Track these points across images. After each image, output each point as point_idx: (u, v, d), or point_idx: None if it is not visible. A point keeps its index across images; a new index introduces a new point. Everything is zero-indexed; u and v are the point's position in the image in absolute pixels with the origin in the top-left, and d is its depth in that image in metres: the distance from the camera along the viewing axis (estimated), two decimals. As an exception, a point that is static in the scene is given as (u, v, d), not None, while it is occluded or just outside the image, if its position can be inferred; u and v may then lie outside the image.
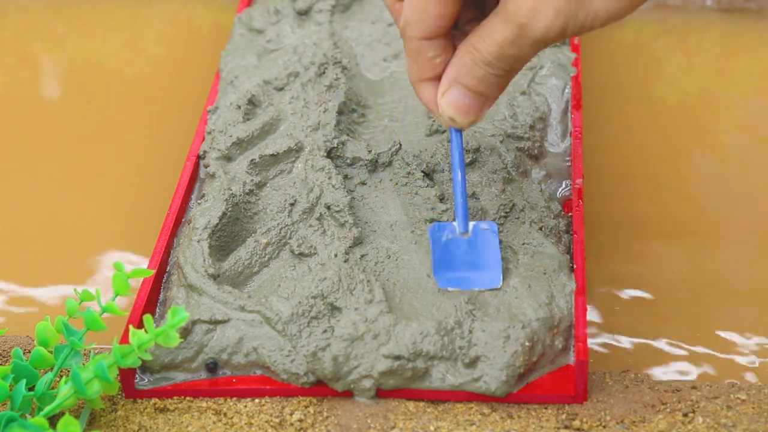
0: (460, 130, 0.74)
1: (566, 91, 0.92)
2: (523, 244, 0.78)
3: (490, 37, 0.66)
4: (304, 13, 1.01)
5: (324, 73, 0.92)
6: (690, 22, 1.16)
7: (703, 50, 1.14)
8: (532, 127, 0.88)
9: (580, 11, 0.64)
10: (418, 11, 0.68)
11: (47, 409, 0.68)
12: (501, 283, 0.76)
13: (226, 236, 0.81)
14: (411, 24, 0.68)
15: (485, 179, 0.83)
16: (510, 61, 0.67)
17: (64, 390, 0.69)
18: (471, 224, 0.77)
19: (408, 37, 0.69)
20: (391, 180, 0.84)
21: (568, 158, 0.87)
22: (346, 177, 0.84)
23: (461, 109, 0.70)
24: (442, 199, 0.82)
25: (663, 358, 0.80)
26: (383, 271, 0.78)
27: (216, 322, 0.75)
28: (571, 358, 0.74)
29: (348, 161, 0.85)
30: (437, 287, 0.76)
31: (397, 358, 0.72)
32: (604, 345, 0.82)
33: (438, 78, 0.70)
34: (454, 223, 0.77)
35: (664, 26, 1.16)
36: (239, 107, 0.90)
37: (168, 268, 0.81)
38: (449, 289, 0.76)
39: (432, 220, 0.80)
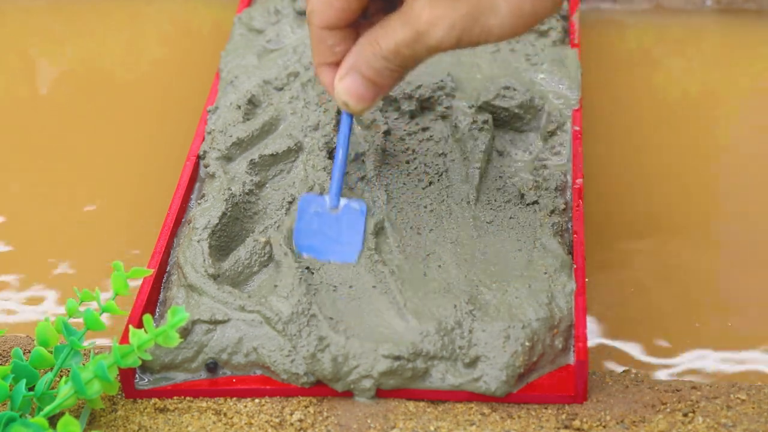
0: (351, 115, 0.76)
1: (566, 88, 0.92)
2: (534, 239, 0.79)
3: (390, 34, 0.70)
4: (304, 13, 1.01)
5: None
6: (690, 22, 1.16)
7: (703, 50, 1.14)
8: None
9: (475, 27, 0.68)
10: (323, 2, 0.72)
11: (47, 409, 0.68)
12: (356, 260, 0.77)
13: (226, 236, 0.81)
14: (315, 12, 0.72)
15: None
16: (405, 60, 0.71)
17: (64, 390, 0.69)
18: (343, 201, 0.78)
19: (311, 24, 0.73)
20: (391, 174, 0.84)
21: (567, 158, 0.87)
22: (347, 173, 0.84)
23: (355, 96, 0.73)
24: (440, 193, 0.82)
25: (663, 358, 0.80)
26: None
27: (216, 322, 0.75)
28: (571, 358, 0.74)
29: (348, 160, 0.85)
30: (438, 287, 0.77)
31: (397, 358, 0.72)
32: (604, 345, 0.82)
33: (337, 64, 0.74)
34: (326, 197, 0.78)
35: (663, 26, 1.16)
36: (239, 107, 0.90)
37: (168, 268, 0.81)
38: (304, 255, 0.78)
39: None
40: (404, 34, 0.69)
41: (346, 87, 0.73)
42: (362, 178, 0.84)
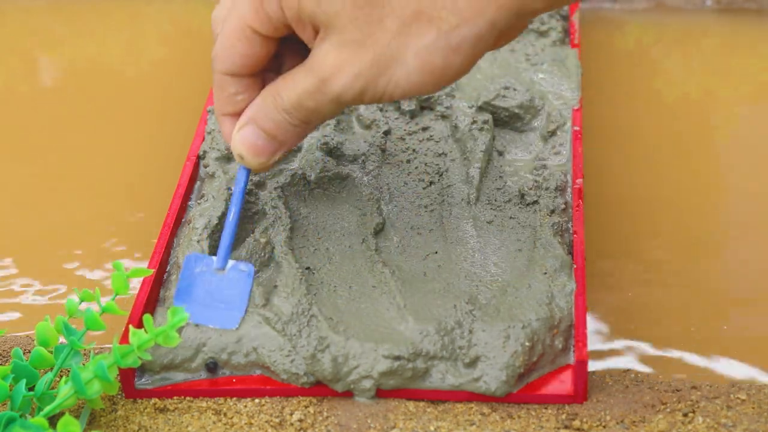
0: (248, 169, 0.74)
1: (566, 88, 0.92)
2: (534, 239, 0.79)
3: (293, 85, 0.67)
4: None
5: None
6: (690, 22, 1.16)
7: (703, 50, 1.14)
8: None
9: (381, 78, 0.65)
10: (226, 47, 0.69)
11: (47, 409, 0.68)
12: (237, 326, 0.74)
13: (226, 236, 0.81)
14: (217, 57, 0.70)
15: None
16: (307, 113, 0.68)
17: (64, 390, 0.69)
18: (230, 263, 0.76)
19: (214, 69, 0.70)
20: (390, 173, 0.84)
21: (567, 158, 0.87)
22: (349, 172, 0.84)
23: (252, 149, 0.70)
24: (440, 193, 0.82)
25: (663, 358, 0.80)
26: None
27: (216, 322, 0.75)
28: (571, 358, 0.74)
29: (348, 159, 0.85)
30: (438, 287, 0.77)
31: (397, 358, 0.72)
32: (604, 345, 0.82)
33: (238, 114, 0.71)
34: (214, 258, 0.76)
35: (664, 26, 1.16)
36: None
37: (168, 268, 0.81)
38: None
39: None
40: (307, 83, 0.67)
41: (243, 138, 0.70)
42: (363, 178, 0.85)
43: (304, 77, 0.67)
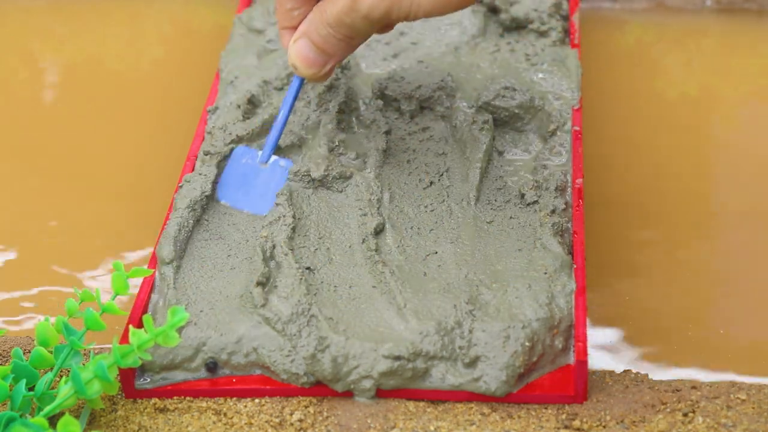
0: (302, 79, 0.81)
1: (566, 88, 0.92)
2: (534, 239, 0.79)
3: (333, 3, 0.74)
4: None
5: None
6: (690, 22, 1.16)
7: (703, 50, 1.14)
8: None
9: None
10: None
11: (47, 409, 0.68)
12: (265, 214, 0.81)
13: (226, 236, 0.81)
14: None
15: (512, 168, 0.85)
16: (347, 29, 0.75)
17: (64, 390, 0.69)
18: (273, 158, 0.83)
19: None
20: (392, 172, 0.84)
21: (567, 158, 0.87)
22: (350, 175, 0.84)
23: (304, 60, 0.78)
24: (440, 193, 0.82)
25: (663, 358, 0.80)
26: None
27: (216, 322, 0.76)
28: (571, 358, 0.74)
29: (350, 159, 0.85)
30: (438, 287, 0.77)
31: (397, 358, 0.72)
32: (604, 345, 0.82)
33: (295, 28, 0.79)
34: (259, 152, 0.84)
35: (664, 26, 1.16)
36: (239, 107, 0.90)
37: (168, 268, 0.81)
38: (222, 201, 0.82)
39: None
40: (343, 3, 0.73)
41: (296, 51, 0.78)
42: (363, 178, 0.84)
43: None
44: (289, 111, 0.83)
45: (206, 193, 0.82)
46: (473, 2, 0.74)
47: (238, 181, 0.83)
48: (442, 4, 0.73)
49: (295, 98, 0.83)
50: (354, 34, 0.76)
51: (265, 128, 0.88)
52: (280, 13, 0.79)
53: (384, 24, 0.75)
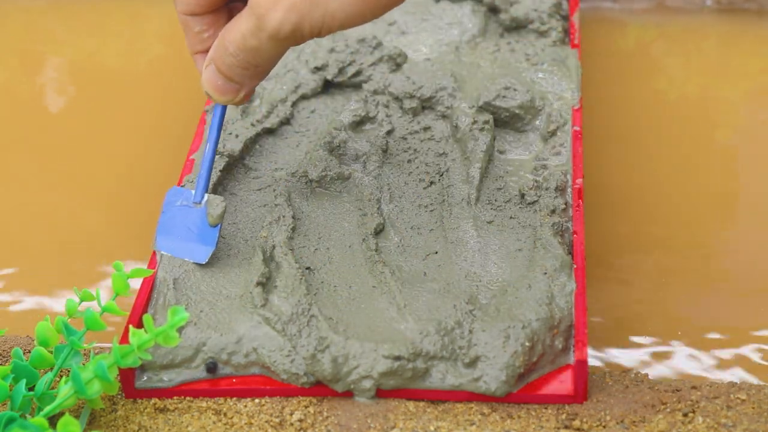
0: (223, 106, 0.76)
1: (566, 88, 0.92)
2: (534, 239, 0.79)
3: (236, 27, 0.69)
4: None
5: (323, 69, 0.93)
6: (690, 21, 1.16)
7: (703, 50, 1.14)
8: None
9: (316, 10, 0.66)
10: None
11: (47, 409, 0.68)
12: (205, 261, 0.77)
13: (226, 236, 0.81)
14: (177, 0, 0.72)
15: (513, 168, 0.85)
16: (251, 54, 0.69)
17: (64, 390, 0.69)
18: (206, 196, 0.78)
19: (177, 11, 0.72)
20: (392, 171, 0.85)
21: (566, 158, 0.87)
22: (351, 172, 0.84)
23: (215, 89, 0.73)
24: (441, 193, 0.82)
25: (663, 358, 0.80)
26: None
27: (216, 322, 0.76)
28: (571, 358, 0.74)
29: (350, 159, 0.85)
30: (438, 287, 0.77)
31: (397, 358, 0.72)
32: (605, 345, 0.82)
33: (207, 51, 0.73)
34: (192, 192, 0.78)
35: (664, 26, 1.16)
36: (238, 107, 0.90)
37: (168, 268, 0.81)
38: (162, 251, 0.78)
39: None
40: (248, 24, 0.68)
41: (207, 78, 0.73)
42: (363, 178, 0.85)
43: (245, 18, 0.68)
44: (216, 143, 0.77)
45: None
46: (388, 11, 0.68)
47: (174, 227, 0.78)
48: (357, 14, 0.66)
49: (220, 127, 0.77)
50: (259, 61, 0.70)
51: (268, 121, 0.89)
52: (189, 37, 0.73)
53: (293, 41, 0.68)
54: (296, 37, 0.67)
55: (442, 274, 0.78)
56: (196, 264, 0.79)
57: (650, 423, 0.71)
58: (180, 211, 0.78)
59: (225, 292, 0.77)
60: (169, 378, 0.75)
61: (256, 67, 0.70)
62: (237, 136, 0.87)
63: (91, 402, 0.71)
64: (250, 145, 0.88)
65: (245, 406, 0.74)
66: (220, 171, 0.84)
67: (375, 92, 0.91)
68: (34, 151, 1.05)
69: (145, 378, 0.75)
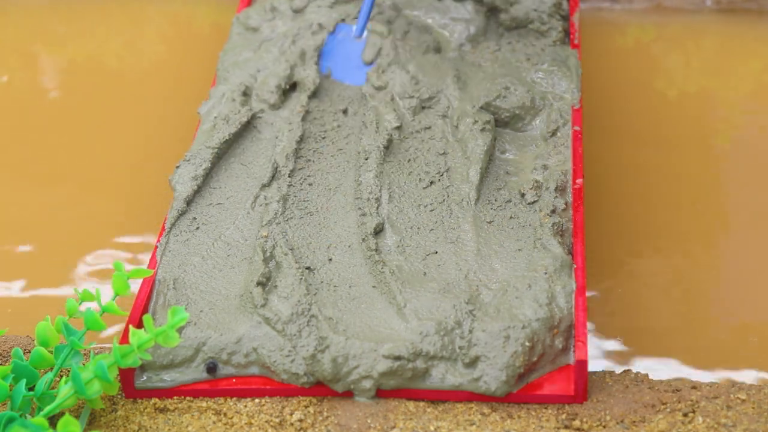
0: None
1: (566, 88, 0.92)
2: (534, 239, 0.79)
3: None
4: (299, 11, 1.01)
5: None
6: (690, 21, 1.16)
7: (703, 50, 1.14)
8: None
9: None
10: None
11: (47, 409, 0.68)
12: (363, 84, 0.90)
13: (226, 236, 0.81)
14: None
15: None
16: None
17: (64, 390, 0.69)
18: (366, 32, 0.91)
19: None
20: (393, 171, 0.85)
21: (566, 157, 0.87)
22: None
23: None
24: (441, 193, 0.82)
25: (663, 358, 0.80)
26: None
27: (216, 322, 0.76)
28: (571, 358, 0.74)
29: (351, 158, 0.86)
30: (438, 287, 0.77)
31: (397, 358, 0.72)
32: (604, 345, 0.82)
33: None
34: (353, 27, 0.92)
35: (663, 26, 1.16)
36: (234, 100, 0.91)
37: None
38: (323, 72, 0.91)
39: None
40: None
41: None
42: (364, 177, 0.85)
43: None
44: None
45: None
46: None
47: (337, 55, 0.91)
48: None
49: None
50: None
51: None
52: None
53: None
54: None
55: (442, 274, 0.78)
56: (196, 264, 0.79)
57: (650, 423, 0.71)
58: (342, 43, 0.92)
59: (225, 292, 0.77)
60: (169, 378, 0.75)
61: None
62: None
63: (91, 402, 0.71)
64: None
65: (245, 406, 0.74)
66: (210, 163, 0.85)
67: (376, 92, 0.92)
68: (34, 151, 1.05)
69: (145, 378, 0.75)
